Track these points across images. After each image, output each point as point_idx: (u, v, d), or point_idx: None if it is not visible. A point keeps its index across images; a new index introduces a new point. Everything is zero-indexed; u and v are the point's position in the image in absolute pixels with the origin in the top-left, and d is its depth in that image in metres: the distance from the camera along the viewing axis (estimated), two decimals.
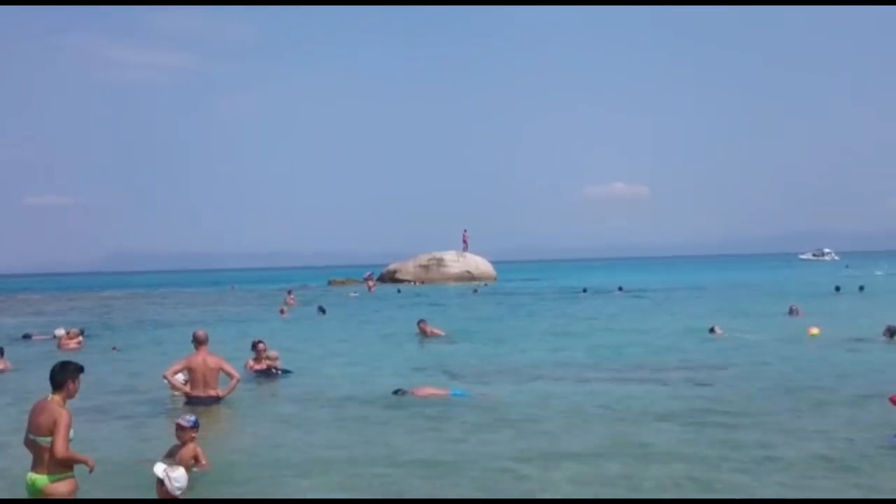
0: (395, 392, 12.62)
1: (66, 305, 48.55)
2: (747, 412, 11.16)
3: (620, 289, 48.88)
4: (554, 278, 80.00)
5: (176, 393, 12.84)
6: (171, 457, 8.31)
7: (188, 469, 8.11)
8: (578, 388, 13.60)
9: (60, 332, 23.37)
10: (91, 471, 7.17)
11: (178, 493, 6.77)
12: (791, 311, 26.91)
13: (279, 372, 15.45)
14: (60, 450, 6.99)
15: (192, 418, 8.69)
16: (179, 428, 8.57)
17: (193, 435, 8.56)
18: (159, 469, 6.85)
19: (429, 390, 12.69)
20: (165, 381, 12.90)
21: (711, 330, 21.79)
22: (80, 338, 22.89)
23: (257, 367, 15.49)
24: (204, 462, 8.57)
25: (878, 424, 9.91)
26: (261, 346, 15.93)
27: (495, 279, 64.55)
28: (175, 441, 8.63)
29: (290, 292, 43.59)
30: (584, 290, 48.96)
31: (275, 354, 15.81)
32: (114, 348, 21.50)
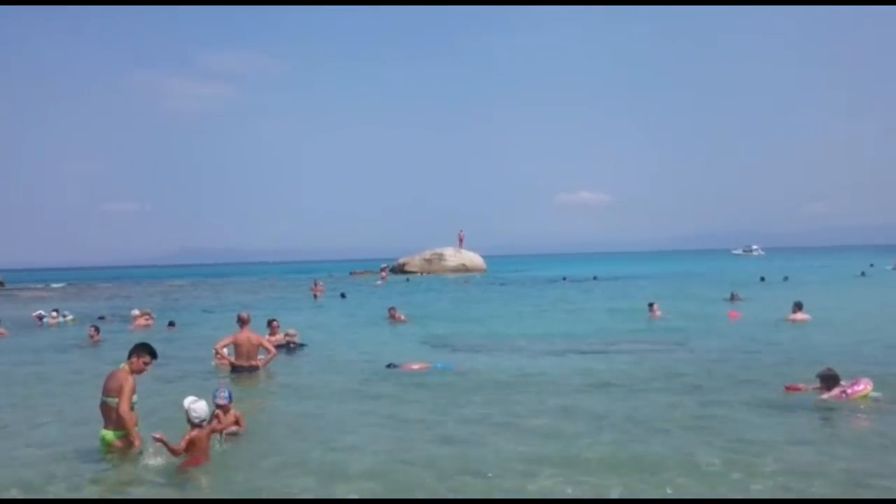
0: (388, 366, 12.45)
1: (133, 292, 48.76)
2: (656, 378, 11.15)
3: (595, 278, 48.84)
4: (536, 270, 79.67)
5: (222, 362, 12.81)
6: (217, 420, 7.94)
7: (230, 432, 7.82)
8: (540, 360, 13.59)
9: (135, 312, 23.53)
10: (132, 446, 7.08)
11: (196, 420, 6.68)
12: (732, 297, 26.36)
13: (297, 345, 15.41)
14: (122, 408, 7.08)
15: (226, 394, 8.03)
16: (218, 407, 7.85)
17: (230, 408, 7.97)
18: (186, 402, 6.81)
19: (415, 365, 12.53)
20: (215, 352, 12.96)
21: (650, 305, 21.81)
22: (149, 315, 23.06)
23: (272, 340, 15.44)
24: (243, 425, 8.10)
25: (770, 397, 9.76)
26: (274, 323, 15.61)
27: (485, 271, 64.63)
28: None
29: (316, 282, 43.65)
30: (564, 279, 49.15)
31: (294, 332, 15.76)
32: (170, 324, 21.23)
